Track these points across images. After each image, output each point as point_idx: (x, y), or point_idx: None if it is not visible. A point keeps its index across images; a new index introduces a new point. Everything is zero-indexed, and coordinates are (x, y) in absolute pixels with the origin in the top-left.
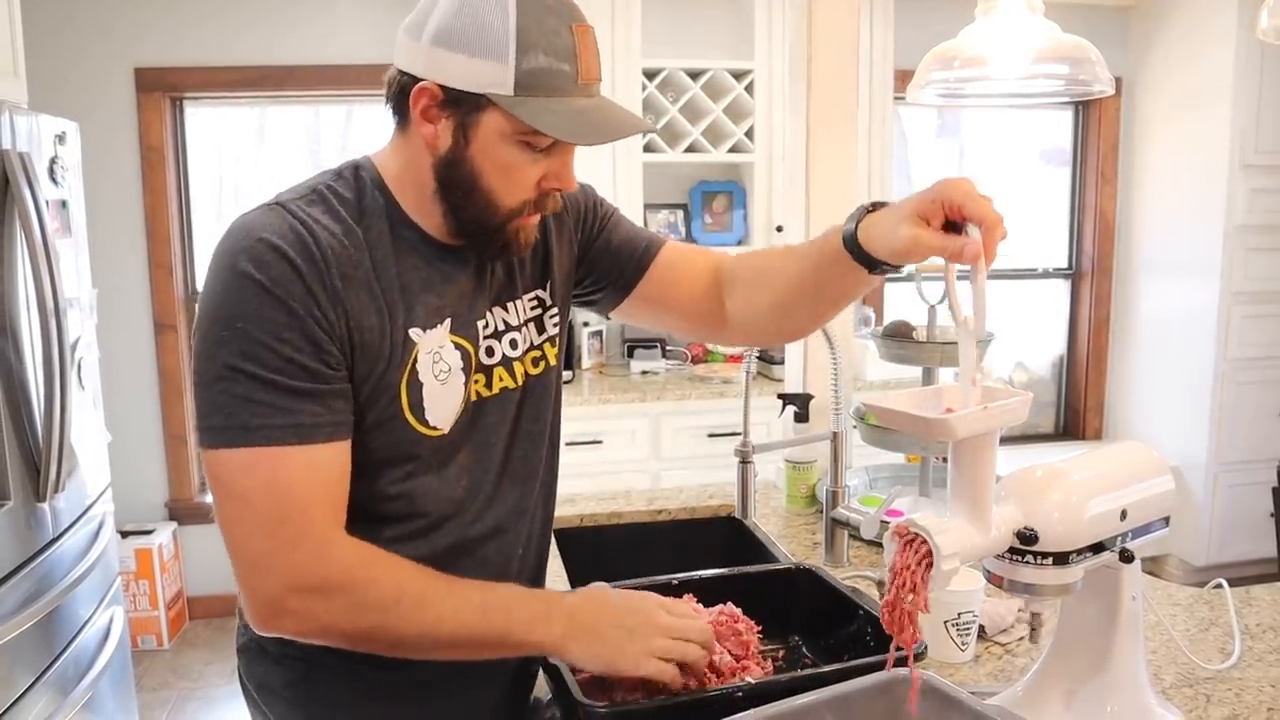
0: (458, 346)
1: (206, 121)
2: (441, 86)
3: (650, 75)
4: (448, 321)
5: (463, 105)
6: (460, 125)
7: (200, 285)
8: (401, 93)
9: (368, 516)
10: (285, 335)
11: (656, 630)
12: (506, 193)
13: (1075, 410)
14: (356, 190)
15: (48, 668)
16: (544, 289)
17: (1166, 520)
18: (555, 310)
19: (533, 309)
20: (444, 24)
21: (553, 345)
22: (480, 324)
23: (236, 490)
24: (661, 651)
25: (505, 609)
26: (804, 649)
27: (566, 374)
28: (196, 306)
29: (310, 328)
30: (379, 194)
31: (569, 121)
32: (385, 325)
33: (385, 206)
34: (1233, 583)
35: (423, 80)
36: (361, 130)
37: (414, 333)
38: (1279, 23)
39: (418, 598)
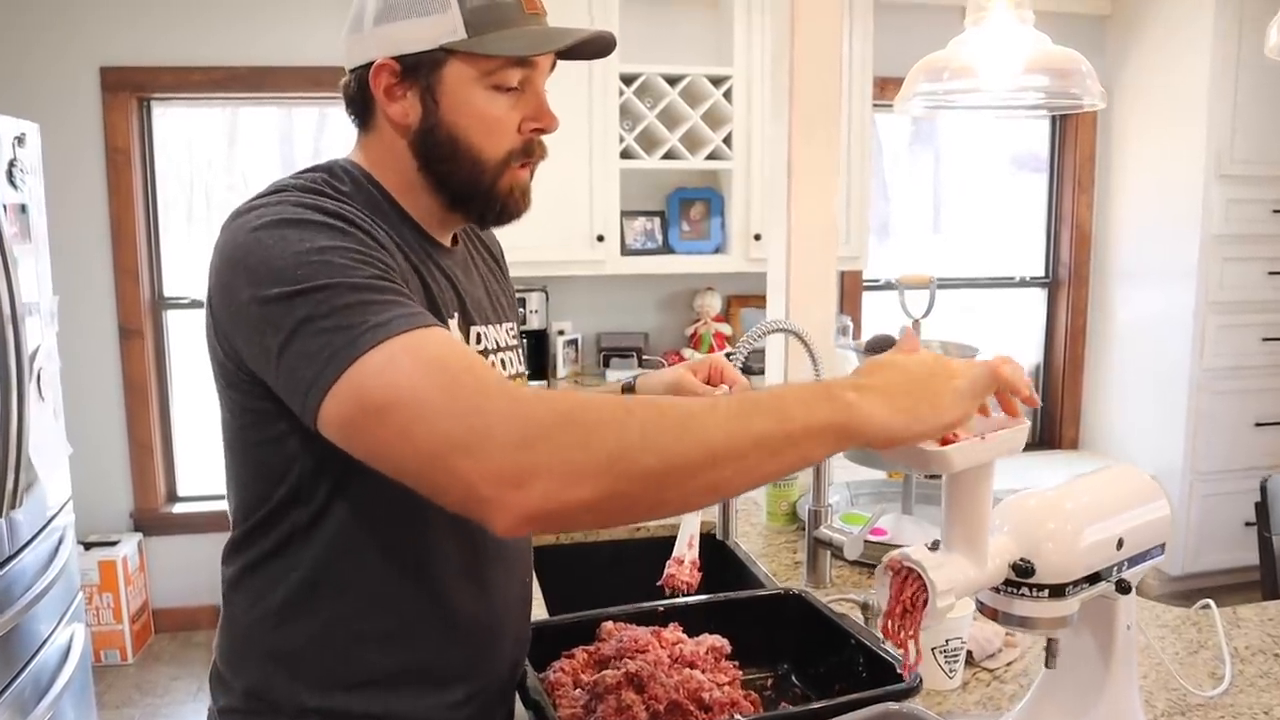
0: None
1: (176, 122)
2: (397, 59)
3: (628, 80)
4: (456, 316)
5: (422, 68)
6: (425, 90)
7: (168, 290)
8: (360, 86)
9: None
10: (358, 251)
11: (954, 372)
12: (489, 144)
13: (1052, 419)
14: (352, 183)
15: (6, 687)
16: (515, 323)
17: (1162, 547)
18: (518, 348)
19: (511, 338)
20: (382, 3)
21: (522, 380)
22: (474, 330)
23: (390, 393)
24: (971, 388)
25: (768, 396)
26: (793, 678)
27: (541, 383)
28: (229, 288)
29: (371, 245)
30: (370, 186)
31: (526, 40)
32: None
33: (380, 198)
34: (1209, 593)
35: (377, 60)
36: (335, 133)
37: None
38: None
39: (648, 404)
